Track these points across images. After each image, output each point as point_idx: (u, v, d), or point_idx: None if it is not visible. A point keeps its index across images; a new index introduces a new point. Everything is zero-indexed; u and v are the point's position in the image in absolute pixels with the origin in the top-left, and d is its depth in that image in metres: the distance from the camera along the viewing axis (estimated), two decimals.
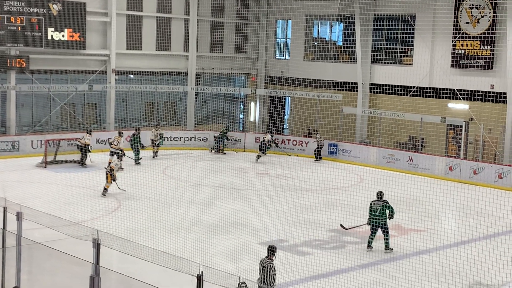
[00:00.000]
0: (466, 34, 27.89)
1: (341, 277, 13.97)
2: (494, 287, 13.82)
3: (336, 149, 29.99)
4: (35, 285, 12.49)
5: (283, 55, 36.44)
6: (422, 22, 29.49)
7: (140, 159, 26.73)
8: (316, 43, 35.26)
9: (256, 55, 36.19)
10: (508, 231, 18.48)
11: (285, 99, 35.40)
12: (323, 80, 32.65)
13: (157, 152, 28.45)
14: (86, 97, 31.21)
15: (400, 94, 30.10)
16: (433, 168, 26.84)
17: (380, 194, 16.37)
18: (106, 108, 31.37)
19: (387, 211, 16.08)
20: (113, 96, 31.21)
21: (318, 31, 35.45)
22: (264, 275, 11.09)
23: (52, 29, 28.81)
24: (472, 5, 27.58)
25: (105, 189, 21.07)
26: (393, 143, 30.16)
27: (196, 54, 33.75)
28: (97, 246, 9.91)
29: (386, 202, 16.22)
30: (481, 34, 27.43)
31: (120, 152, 24.38)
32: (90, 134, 26.32)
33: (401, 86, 30.05)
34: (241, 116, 37.35)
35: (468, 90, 27.80)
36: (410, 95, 29.82)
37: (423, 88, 29.45)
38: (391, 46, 31.46)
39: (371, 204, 16.33)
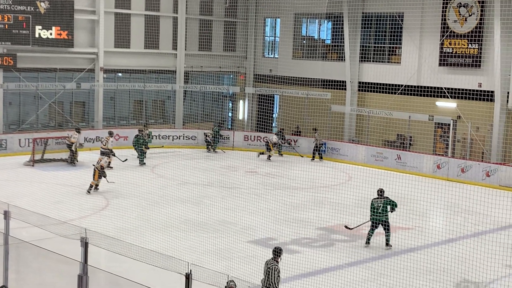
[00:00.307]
0: (454, 32, 28.00)
1: (329, 275, 13.99)
2: (481, 285, 13.88)
3: (325, 147, 30.03)
4: (23, 284, 12.43)
5: (271, 53, 36.43)
6: (410, 20, 29.58)
7: (145, 157, 26.49)
8: (304, 42, 35.31)
9: (244, 53, 36.17)
10: (496, 229, 18.58)
11: (273, 97, 35.42)
12: (311, 78, 32.68)
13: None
14: (74, 95, 31.06)
15: (389, 93, 30.18)
16: (421, 166, 26.94)
17: (381, 192, 16.50)
18: (94, 106, 31.25)
19: (389, 207, 16.18)
20: (101, 95, 31.10)
21: (307, 29, 35.48)
22: (268, 276, 11.02)
23: (40, 27, 28.65)
24: (460, 3, 27.69)
25: (91, 186, 21.08)
26: (382, 141, 30.25)
27: (184, 52, 33.69)
28: (85, 245, 9.88)
29: (388, 198, 16.35)
30: (468, 32, 27.55)
31: (109, 151, 24.28)
32: (79, 132, 26.20)
33: (389, 85, 30.14)
34: (230, 114, 37.33)
35: (456, 89, 27.94)
36: (398, 94, 29.91)
37: (411, 86, 29.54)
38: (380, 45, 31.54)
39: (372, 202, 16.42)
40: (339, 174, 26.51)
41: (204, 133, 31.02)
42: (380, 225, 16.24)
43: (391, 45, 31.08)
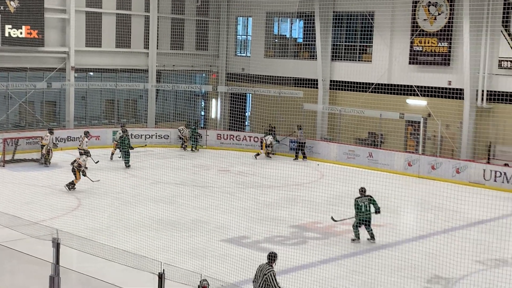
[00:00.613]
0: (424, 31, 28.28)
1: (302, 273, 14.05)
2: (452, 281, 14.04)
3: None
4: None
5: (244, 52, 36.44)
6: (381, 19, 29.81)
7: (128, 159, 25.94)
8: (276, 40, 35.37)
9: (217, 52, 36.12)
10: (466, 225, 18.80)
11: (246, 96, 35.43)
12: (283, 77, 32.79)
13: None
14: (45, 95, 30.71)
15: (360, 91, 30.39)
16: (392, 164, 27.16)
17: (363, 190, 16.62)
18: (66, 106, 30.94)
19: (372, 208, 16.41)
20: (72, 94, 30.81)
21: (279, 28, 35.56)
22: (266, 284, 10.73)
23: (10, 26, 28.27)
24: (430, 2, 27.98)
25: (73, 184, 21.02)
26: (353, 139, 30.43)
27: (156, 51, 33.53)
28: (56, 245, 9.81)
29: (371, 197, 16.53)
30: (438, 31, 27.84)
31: (84, 152, 24.08)
32: (51, 133, 25.87)
33: (361, 83, 30.35)
34: (202, 113, 37.26)
35: (426, 87, 28.24)
36: (370, 92, 30.12)
37: (382, 84, 29.75)
38: (351, 43, 31.71)
39: (356, 201, 16.51)
40: (312, 172, 26.62)
41: (179, 129, 30.87)
42: (364, 222, 16.42)
43: (362, 44, 31.28)
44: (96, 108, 32.80)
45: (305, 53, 33.58)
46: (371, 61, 30.58)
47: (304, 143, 29.53)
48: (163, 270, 9.42)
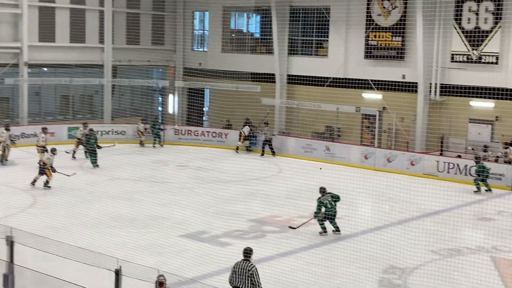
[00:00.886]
0: (378, 26, 28.60)
1: (261, 265, 14.03)
2: (407, 270, 14.26)
3: (255, 140, 30.16)
4: None
5: (201, 46, 36.32)
6: (337, 14, 30.02)
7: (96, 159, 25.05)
8: (233, 35, 35.34)
9: (173, 47, 35.92)
10: (420, 216, 19.12)
11: (204, 91, 35.33)
12: (241, 71, 32.80)
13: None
14: None
15: (317, 85, 30.58)
16: (349, 157, 27.42)
17: (323, 190, 16.77)
18: (19, 102, 30.41)
19: (335, 202, 16.60)
20: (25, 90, 30.28)
21: (236, 23, 35.52)
22: (252, 279, 10.67)
23: None
24: None
25: (47, 182, 20.79)
26: (311, 133, 30.63)
27: (112, 46, 33.17)
28: (10, 243, 9.67)
29: (331, 193, 16.73)
30: (392, 25, 28.20)
31: (44, 150, 23.70)
32: (8, 130, 25.31)
33: (317, 77, 30.54)
34: (160, 108, 37.03)
35: (381, 80, 28.59)
36: (326, 86, 30.34)
37: (338, 79, 30.00)
38: (307, 38, 31.90)
39: (320, 200, 16.60)
40: (270, 166, 26.70)
41: (145, 128, 30.40)
42: (330, 217, 16.58)
43: (319, 39, 31.48)
44: (51, 104, 32.32)
45: (262, 47, 33.63)
46: (327, 55, 30.81)
47: (271, 139, 29.24)
48: (120, 266, 9.36)
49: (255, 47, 34.11)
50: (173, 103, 36.19)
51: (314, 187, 17.53)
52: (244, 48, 34.27)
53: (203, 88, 34.84)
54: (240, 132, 29.73)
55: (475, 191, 22.54)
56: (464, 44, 26.51)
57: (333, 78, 30.12)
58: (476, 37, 26.13)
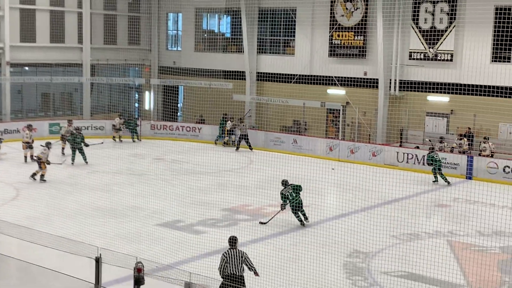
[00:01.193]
0: (341, 26, 28.72)
1: None
2: (370, 254, 14.39)
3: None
4: None
5: (175, 46, 36.11)
6: (302, 15, 30.09)
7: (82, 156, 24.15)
8: (205, 35, 35.19)
9: (149, 47, 35.67)
10: (382, 203, 19.28)
11: (178, 88, 35.16)
12: (213, 69, 32.72)
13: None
14: None
15: (284, 82, 30.66)
16: (315, 149, 27.52)
17: (285, 182, 16.58)
18: (2, 99, 29.93)
19: (297, 193, 16.41)
20: (8, 88, 29.83)
21: (207, 23, 35.38)
22: (247, 263, 10.73)
23: None
24: None
25: (42, 175, 20.52)
26: (279, 127, 30.68)
27: (90, 46, 32.80)
28: None
29: (292, 184, 16.53)
30: (354, 25, 28.33)
31: (27, 144, 23.32)
32: None
33: (285, 74, 30.61)
34: (137, 105, 36.77)
35: (344, 77, 28.70)
36: (293, 83, 30.42)
37: (305, 76, 30.10)
38: (275, 38, 31.91)
39: (282, 193, 16.40)
40: (241, 158, 26.70)
41: (114, 122, 30.03)
42: (298, 207, 16.42)
43: (286, 38, 31.51)
44: (32, 102, 31.90)
45: (233, 47, 33.55)
46: (294, 54, 30.86)
47: (247, 134, 28.65)
48: (100, 254, 9.31)
49: (226, 47, 34.03)
50: (149, 100, 35.95)
51: (282, 177, 17.56)
52: (216, 48, 34.17)
53: (178, 85, 34.67)
54: (223, 127, 29.47)
55: (433, 181, 22.53)
56: (421, 42, 26.77)
57: (300, 75, 30.20)
58: (432, 36, 26.40)
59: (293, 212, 16.59)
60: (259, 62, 32.09)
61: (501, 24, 24.35)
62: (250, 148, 28.48)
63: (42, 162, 20.55)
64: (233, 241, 10.98)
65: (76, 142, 24.02)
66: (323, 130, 29.60)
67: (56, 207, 17.47)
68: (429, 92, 26.74)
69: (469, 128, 25.53)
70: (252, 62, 31.91)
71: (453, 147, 25.03)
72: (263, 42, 32.13)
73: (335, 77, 29.03)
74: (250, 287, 11.25)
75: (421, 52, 26.84)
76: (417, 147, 26.00)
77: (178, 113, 35.74)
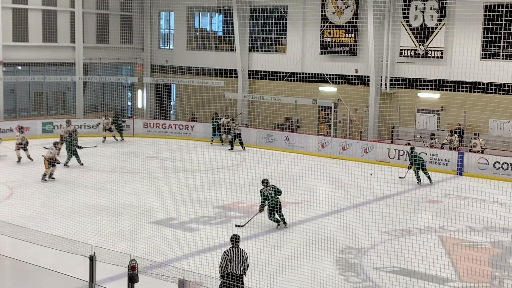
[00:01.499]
0: (332, 23, 28.75)
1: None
2: (362, 250, 14.43)
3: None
4: None
5: (167, 45, 36.05)
6: (294, 13, 30.10)
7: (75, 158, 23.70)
8: (197, 34, 35.15)
9: (141, 45, 35.60)
10: (373, 200, 19.32)
11: (170, 86, 35.11)
12: (205, 68, 32.69)
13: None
14: None
15: (276, 79, 30.66)
16: (307, 146, 27.56)
17: (265, 181, 16.19)
18: None
19: (276, 194, 15.99)
20: (1, 88, 29.70)
21: (199, 22, 35.33)
22: (245, 262, 10.66)
23: None
24: None
25: (44, 175, 20.45)
26: (271, 124, 30.70)
27: (82, 45, 32.68)
28: None
29: (273, 185, 16.16)
30: (345, 23, 28.37)
31: (19, 146, 23.19)
32: None
33: (277, 72, 30.61)
34: (129, 103, 36.69)
35: (335, 75, 28.76)
36: (285, 80, 30.42)
37: (296, 73, 30.12)
38: (267, 36, 31.91)
39: (262, 192, 15.99)
40: (234, 156, 26.69)
41: (103, 122, 29.80)
42: (275, 208, 16.07)
43: (277, 36, 31.51)
44: (25, 101, 31.76)
45: (224, 45, 33.53)
46: (285, 52, 30.87)
47: (240, 133, 28.30)
48: (94, 252, 9.29)
49: (218, 45, 34.00)
50: (141, 98, 35.90)
51: (275, 174, 17.58)
52: (207, 46, 34.13)
53: (170, 84, 34.62)
54: (215, 126, 29.27)
55: (417, 182, 21.64)
56: (412, 40, 26.83)
57: (291, 73, 30.22)
58: (422, 34, 26.47)
59: (269, 214, 15.97)
60: (251, 60, 32.09)
61: (491, 21, 24.44)
62: (242, 148, 28.02)
63: (46, 161, 20.47)
64: (235, 239, 10.88)
65: (72, 144, 23.62)
66: (315, 127, 29.63)
67: (50, 205, 17.43)
68: (420, 89, 26.83)
69: (459, 124, 25.63)
70: (244, 60, 31.90)
71: (443, 144, 25.11)
72: (254, 40, 32.12)
73: (327, 74, 29.07)
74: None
75: (412, 50, 26.90)
76: (408, 144, 26.03)
77: (171, 111, 35.69)
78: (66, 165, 22.96)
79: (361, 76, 28.15)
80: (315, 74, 29.48)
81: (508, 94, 24.61)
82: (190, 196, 19.19)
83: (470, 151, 24.20)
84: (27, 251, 11.92)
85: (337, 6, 28.51)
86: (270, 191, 15.98)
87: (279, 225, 16.05)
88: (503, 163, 22.89)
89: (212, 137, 29.56)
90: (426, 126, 26.95)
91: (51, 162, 20.59)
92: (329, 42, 28.97)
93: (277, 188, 16.13)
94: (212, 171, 23.39)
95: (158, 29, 35.85)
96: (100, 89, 34.39)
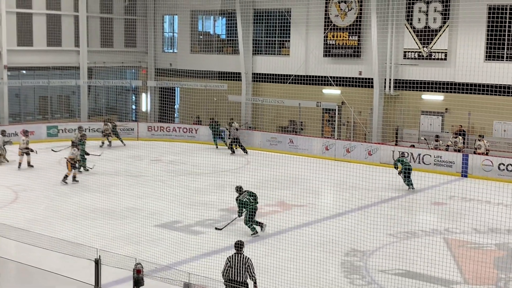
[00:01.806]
0: (336, 26, 28.72)
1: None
2: (367, 253, 14.37)
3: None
4: None
5: (171, 48, 36.07)
6: (297, 16, 30.09)
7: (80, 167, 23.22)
8: (201, 37, 35.17)
9: (145, 49, 35.62)
10: (378, 202, 19.27)
11: (174, 89, 35.12)
12: (209, 71, 32.68)
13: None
14: None
15: (280, 82, 30.64)
16: (311, 149, 27.51)
17: (239, 188, 15.86)
18: (0, 103, 29.86)
19: (253, 199, 15.73)
20: (6, 92, 29.76)
21: (203, 25, 35.36)
22: (248, 271, 10.47)
23: None
24: None
25: (66, 176, 20.56)
26: (275, 127, 30.66)
27: (87, 49, 32.72)
28: None
29: (248, 191, 15.89)
30: (349, 26, 28.33)
31: (23, 151, 23.19)
32: (4, 135, 24.53)
33: (281, 75, 30.60)
34: (134, 107, 36.71)
35: (339, 77, 28.69)
36: (289, 83, 30.40)
37: (300, 76, 30.09)
38: (270, 39, 31.89)
39: (239, 199, 15.67)
40: (239, 159, 26.67)
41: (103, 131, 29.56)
42: (254, 214, 15.73)
43: (281, 39, 31.50)
44: (30, 105, 31.81)
45: (228, 48, 33.53)
46: (289, 54, 30.84)
47: (238, 137, 28.04)
48: (99, 256, 9.27)
49: (221, 48, 34.01)
50: (146, 102, 35.92)
51: (279, 177, 17.54)
52: (211, 49, 34.14)
53: (174, 87, 34.63)
54: (214, 131, 29.15)
55: (412, 189, 20.98)
56: (415, 42, 26.78)
57: (295, 76, 30.19)
58: (426, 36, 26.42)
59: (249, 219, 15.56)
60: (254, 63, 32.08)
61: (494, 23, 24.38)
62: (244, 152, 27.78)
63: (69, 163, 20.55)
64: (238, 245, 10.78)
65: (82, 150, 23.63)
66: (319, 129, 29.59)
67: (54, 209, 17.43)
68: (424, 91, 26.77)
69: (461, 126, 25.56)
70: (248, 63, 31.90)
71: (448, 145, 25.04)
72: (258, 43, 32.11)
73: (330, 77, 29.03)
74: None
75: (415, 52, 26.85)
76: (412, 146, 26.00)
77: (175, 115, 35.70)
78: (86, 169, 22.93)
79: (365, 79, 28.11)
80: (318, 76, 29.44)
81: None
82: (195, 199, 19.17)
83: (474, 153, 24.13)
84: (32, 254, 11.91)
85: (341, 9, 28.48)
86: (246, 197, 15.66)
87: (255, 234, 15.53)
88: (507, 165, 22.81)
89: (215, 142, 29.36)
90: (430, 128, 26.88)
91: (73, 164, 20.64)
92: (332, 44, 28.94)
93: (253, 193, 15.79)
94: (216, 174, 23.36)
95: (162, 32, 35.88)
96: (104, 92, 34.42)
